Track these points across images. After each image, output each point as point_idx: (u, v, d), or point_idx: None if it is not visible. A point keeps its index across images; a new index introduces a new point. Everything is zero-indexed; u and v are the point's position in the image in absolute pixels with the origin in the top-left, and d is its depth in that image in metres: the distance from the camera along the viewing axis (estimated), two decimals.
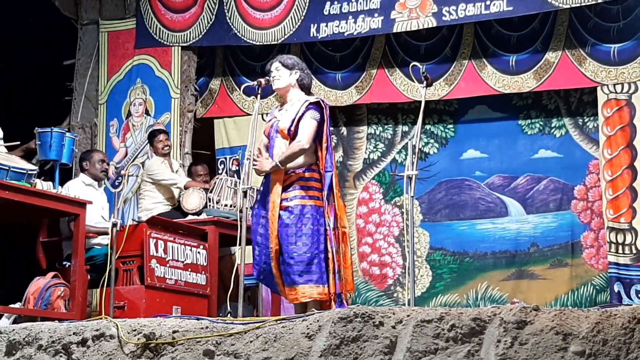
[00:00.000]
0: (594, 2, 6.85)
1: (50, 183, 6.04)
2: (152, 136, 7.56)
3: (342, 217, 5.23)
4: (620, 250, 6.87)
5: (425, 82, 5.18)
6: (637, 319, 3.14)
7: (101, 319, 4.35)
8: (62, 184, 6.50)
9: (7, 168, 5.49)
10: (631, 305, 5.77)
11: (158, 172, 7.30)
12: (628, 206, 6.89)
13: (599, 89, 7.13)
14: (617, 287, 6.82)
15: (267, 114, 5.64)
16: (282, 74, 5.36)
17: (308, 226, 5.13)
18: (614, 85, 7.05)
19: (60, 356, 4.14)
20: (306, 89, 5.41)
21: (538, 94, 7.52)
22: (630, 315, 3.15)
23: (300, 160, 5.20)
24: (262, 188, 5.34)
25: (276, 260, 5.17)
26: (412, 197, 4.85)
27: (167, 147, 7.46)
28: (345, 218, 5.31)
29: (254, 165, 5.24)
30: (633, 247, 6.84)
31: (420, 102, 5.08)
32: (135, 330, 4.06)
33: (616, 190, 6.94)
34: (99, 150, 7.35)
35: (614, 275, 6.86)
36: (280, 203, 5.15)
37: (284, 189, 5.18)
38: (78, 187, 6.53)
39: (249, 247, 5.49)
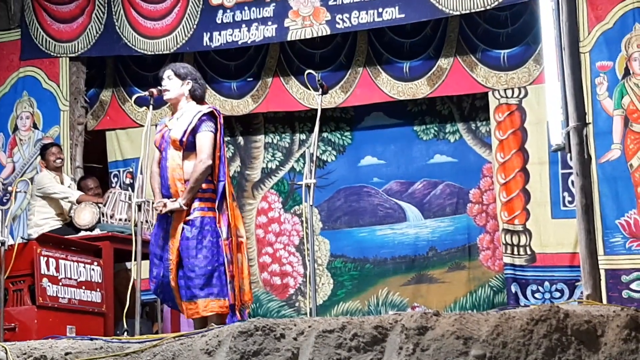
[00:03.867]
0: (482, 9, 6.98)
1: None
2: (43, 149, 7.32)
3: (237, 227, 5.16)
4: (515, 252, 7.01)
5: (321, 90, 5.18)
6: (535, 320, 3.18)
7: None
8: None
9: None
10: (528, 306, 5.91)
11: (49, 186, 7.05)
12: (521, 208, 7.04)
13: (490, 94, 7.27)
14: (513, 288, 6.96)
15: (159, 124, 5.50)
16: (174, 84, 5.25)
17: (208, 238, 5.06)
18: (505, 90, 7.21)
19: None
20: (198, 99, 5.31)
21: (432, 100, 7.63)
22: (528, 317, 3.19)
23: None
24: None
25: (175, 274, 5.06)
26: (312, 205, 4.83)
27: (60, 160, 7.21)
28: (242, 227, 5.24)
29: (156, 209, 5.11)
30: (527, 249, 6.99)
31: (316, 110, 5.06)
32: (25, 353, 3.89)
33: (510, 193, 7.09)
34: None
35: (510, 277, 6.99)
36: (181, 215, 5.05)
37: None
38: None
39: (146, 262, 5.36)
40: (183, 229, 5.05)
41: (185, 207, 5.02)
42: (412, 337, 3.36)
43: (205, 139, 5.10)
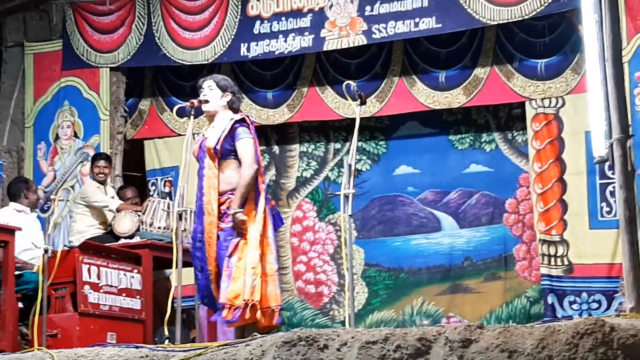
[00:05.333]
0: (520, 19, 6.98)
1: None
2: (93, 159, 7.45)
3: (266, 233, 5.16)
4: (552, 262, 6.98)
5: (359, 100, 5.19)
6: (580, 334, 3.18)
7: (36, 350, 4.21)
8: None
9: None
10: (569, 317, 5.89)
11: (91, 195, 7.17)
12: (559, 218, 7.01)
13: (527, 103, 7.26)
14: (550, 299, 6.93)
15: (198, 133, 5.57)
16: (214, 95, 5.31)
17: None
18: (542, 99, 7.19)
19: None
20: (235, 111, 5.37)
21: (468, 109, 7.63)
22: (574, 331, 3.19)
23: (235, 180, 5.15)
24: (197, 209, 5.26)
25: (215, 283, 5.10)
26: (350, 216, 4.84)
27: (102, 175, 7.33)
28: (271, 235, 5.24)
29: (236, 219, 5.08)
30: (565, 259, 6.96)
31: (352, 119, 5.07)
32: None
33: (547, 203, 7.06)
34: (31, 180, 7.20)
35: (547, 287, 6.97)
36: (218, 224, 5.09)
37: (222, 211, 5.13)
38: (8, 215, 6.35)
39: (185, 270, 5.40)
40: (218, 236, 5.10)
41: (244, 217, 5.04)
42: (456, 349, 3.37)
43: (246, 145, 5.15)
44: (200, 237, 5.14)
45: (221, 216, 5.12)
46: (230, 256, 5.00)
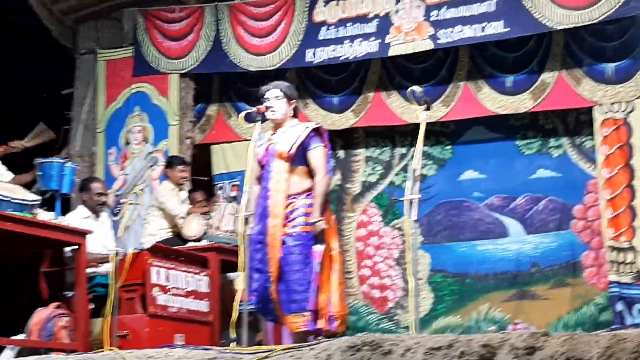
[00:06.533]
0: (589, 23, 6.89)
1: (52, 213, 6.03)
2: (174, 162, 7.53)
3: (330, 240, 5.25)
4: (621, 269, 6.87)
5: (424, 106, 5.19)
6: None
7: (108, 350, 4.32)
8: (63, 213, 6.48)
9: (9, 199, 5.49)
10: (639, 326, 5.79)
11: (166, 198, 7.28)
12: (628, 225, 6.89)
13: (596, 108, 7.15)
14: (619, 307, 6.81)
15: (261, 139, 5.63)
16: (281, 104, 5.38)
17: (310, 252, 5.14)
18: (611, 104, 7.08)
19: None
20: (296, 117, 5.48)
21: (535, 114, 7.55)
22: None
23: (303, 185, 5.22)
24: (259, 211, 5.32)
25: (275, 286, 5.15)
26: (416, 221, 4.83)
27: (184, 179, 7.47)
28: (336, 240, 5.32)
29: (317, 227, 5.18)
30: (634, 266, 6.84)
31: (417, 124, 5.08)
32: None
33: (616, 209, 6.95)
34: (97, 179, 7.33)
35: (615, 295, 6.86)
36: (284, 228, 5.15)
37: (287, 214, 5.19)
38: (76, 220, 6.51)
39: None
40: (284, 241, 5.16)
41: (325, 226, 5.15)
42: (521, 356, 3.35)
43: (319, 155, 5.25)
44: (261, 238, 5.19)
45: (286, 220, 5.19)
46: (316, 264, 5.09)
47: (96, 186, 6.80)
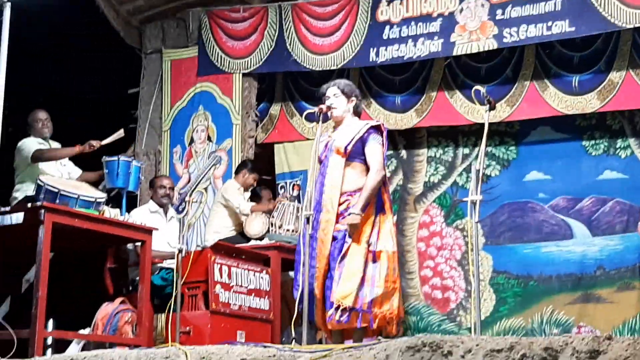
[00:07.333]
0: None
1: (118, 210, 6.14)
2: (251, 168, 7.63)
3: (380, 238, 5.22)
4: None
5: (488, 105, 5.14)
6: None
7: (170, 346, 4.39)
8: (129, 211, 6.60)
9: (77, 196, 5.60)
10: None
11: (232, 196, 7.38)
12: None
13: None
14: None
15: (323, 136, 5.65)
16: (340, 102, 5.42)
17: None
18: None
19: None
20: (358, 115, 5.49)
21: (602, 114, 7.41)
22: None
23: (359, 183, 5.23)
24: (314, 206, 5.30)
25: (321, 282, 5.15)
26: (477, 222, 4.79)
27: (252, 187, 7.56)
28: (390, 240, 5.28)
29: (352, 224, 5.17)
30: None
31: (481, 124, 5.04)
32: (204, 357, 4.09)
33: None
34: (163, 175, 7.47)
35: None
36: (336, 224, 5.16)
37: (341, 211, 5.19)
38: (143, 214, 6.63)
39: None
40: (334, 237, 5.17)
41: (362, 214, 5.10)
42: None
43: (376, 151, 5.25)
44: (312, 233, 5.17)
45: (338, 216, 5.19)
46: (342, 258, 5.06)
47: (160, 181, 6.93)
